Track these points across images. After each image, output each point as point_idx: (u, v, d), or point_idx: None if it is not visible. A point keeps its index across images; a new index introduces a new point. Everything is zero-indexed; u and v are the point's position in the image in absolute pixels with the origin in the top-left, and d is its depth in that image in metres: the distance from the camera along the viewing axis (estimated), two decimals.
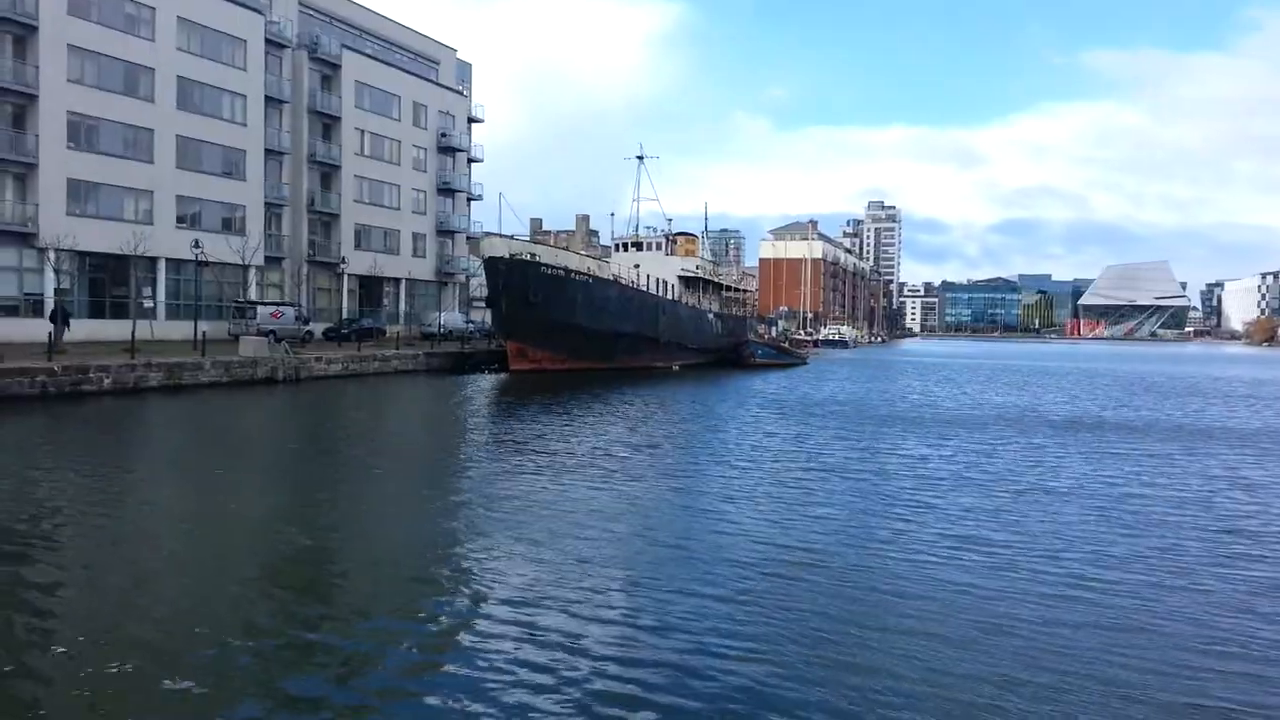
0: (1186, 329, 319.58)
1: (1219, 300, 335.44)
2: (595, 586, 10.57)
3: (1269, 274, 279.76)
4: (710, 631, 9.18)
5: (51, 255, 42.09)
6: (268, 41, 55.75)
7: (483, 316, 67.54)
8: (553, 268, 50.14)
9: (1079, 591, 10.83)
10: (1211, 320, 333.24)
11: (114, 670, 7.91)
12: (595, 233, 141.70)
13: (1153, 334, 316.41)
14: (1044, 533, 13.87)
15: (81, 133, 45.50)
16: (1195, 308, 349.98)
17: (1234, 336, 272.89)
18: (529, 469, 18.40)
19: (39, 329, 38.10)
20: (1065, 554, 12.58)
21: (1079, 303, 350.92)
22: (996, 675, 8.20)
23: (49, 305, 42.59)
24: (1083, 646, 8.98)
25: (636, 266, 60.59)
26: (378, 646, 8.77)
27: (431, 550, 12.31)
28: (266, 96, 55.72)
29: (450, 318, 65.08)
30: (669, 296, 62.41)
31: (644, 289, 58.95)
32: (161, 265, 48.88)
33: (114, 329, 42.78)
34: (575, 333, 50.12)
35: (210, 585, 10.42)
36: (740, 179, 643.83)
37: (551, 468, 18.62)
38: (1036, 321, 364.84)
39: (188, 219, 50.74)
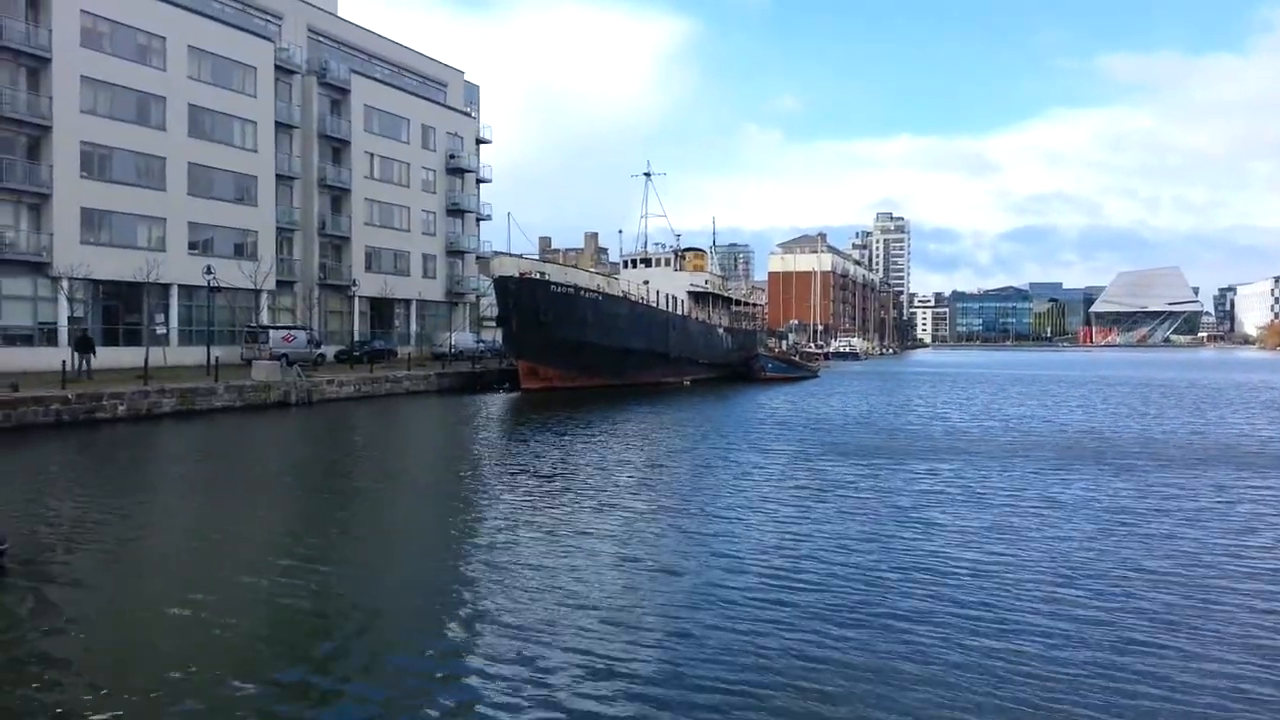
0: (1200, 334, 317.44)
1: (1232, 305, 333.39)
2: (593, 622, 10.51)
3: None
4: (706, 676, 9.08)
5: (65, 284, 42.39)
6: (277, 68, 56.24)
7: (493, 336, 67.70)
8: (562, 286, 50.22)
9: None
10: (1225, 325, 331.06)
11: (115, 696, 7.91)
12: (604, 250, 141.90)
13: (1166, 340, 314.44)
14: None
15: (95, 162, 45.91)
16: (1208, 313, 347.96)
17: (1247, 341, 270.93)
18: (536, 495, 18.35)
19: (53, 357, 38.38)
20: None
21: (1091, 310, 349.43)
22: None
23: (63, 334, 42.89)
24: None
25: (646, 283, 60.64)
26: (379, 683, 8.73)
27: (433, 581, 12.28)
28: (276, 122, 56.16)
29: (461, 338, 65.24)
30: (678, 312, 62.41)
31: (653, 305, 58.97)
32: (174, 291, 49.18)
33: (128, 356, 43.01)
34: (586, 350, 50.16)
35: (212, 620, 10.40)
36: (750, 193, 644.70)
37: (558, 494, 18.55)
38: (1048, 330, 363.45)
39: (200, 245, 51.05)
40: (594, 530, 14.63)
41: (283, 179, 57.35)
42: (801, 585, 11.51)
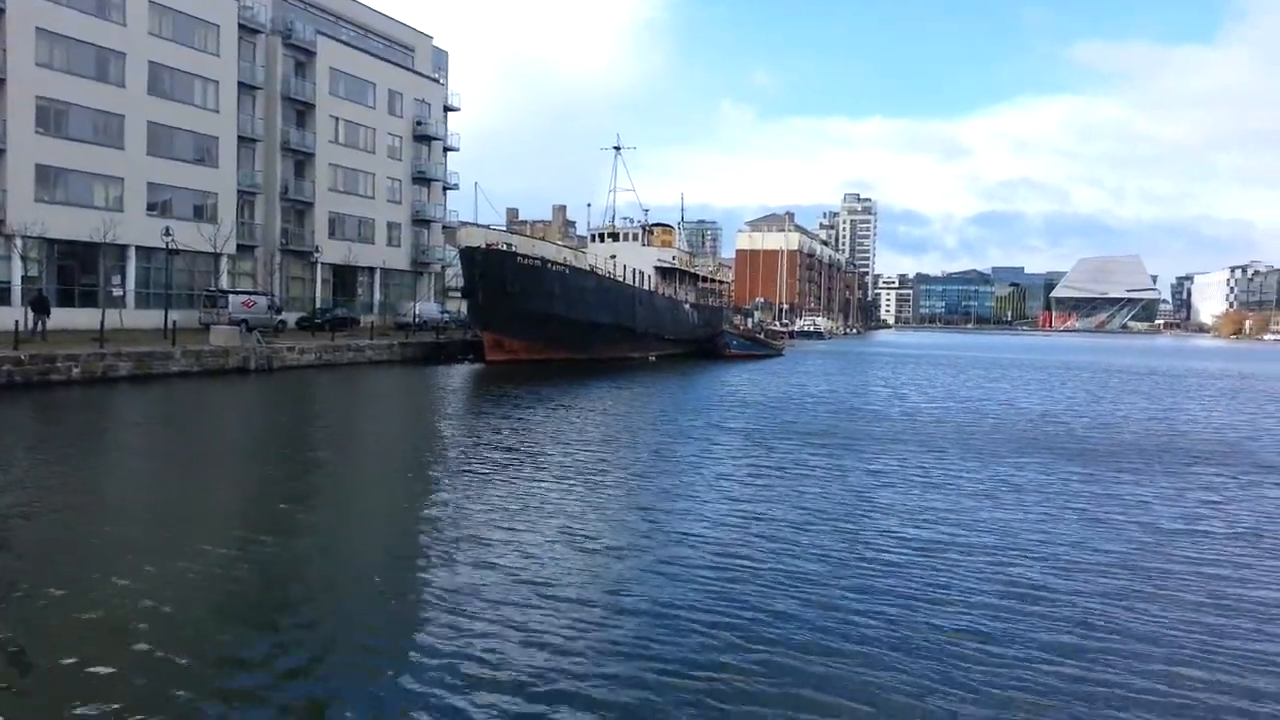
0: (1156, 321, 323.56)
1: (1189, 294, 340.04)
2: (539, 598, 10.56)
3: (1238, 268, 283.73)
4: (666, 655, 9.17)
5: (19, 242, 41.42)
6: (241, 27, 55.05)
7: (458, 307, 67.27)
8: (529, 258, 49.95)
9: None
10: (1181, 313, 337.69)
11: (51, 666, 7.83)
12: (572, 223, 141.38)
13: (1123, 326, 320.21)
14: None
15: (50, 118, 44.76)
16: (1165, 301, 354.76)
17: (1202, 329, 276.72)
18: (496, 468, 18.31)
19: (5, 317, 37.57)
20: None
21: (1051, 295, 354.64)
22: None
23: (16, 294, 41.93)
24: None
25: (613, 257, 60.46)
26: (326, 665, 8.72)
27: (383, 555, 12.26)
28: (239, 82, 55.04)
29: (425, 308, 64.72)
30: (645, 287, 62.37)
31: (620, 279, 58.89)
32: (132, 253, 48.26)
33: (83, 318, 42.18)
34: (552, 323, 50.01)
35: (153, 593, 10.30)
36: (721, 169, 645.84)
37: (515, 469, 18.52)
38: (1009, 314, 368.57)
39: (159, 206, 50.07)
40: (547, 506, 14.63)
41: (245, 141, 56.31)
42: (749, 564, 11.63)
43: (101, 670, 7.81)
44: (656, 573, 11.11)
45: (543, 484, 16.36)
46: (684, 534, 13.03)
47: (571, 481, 16.69)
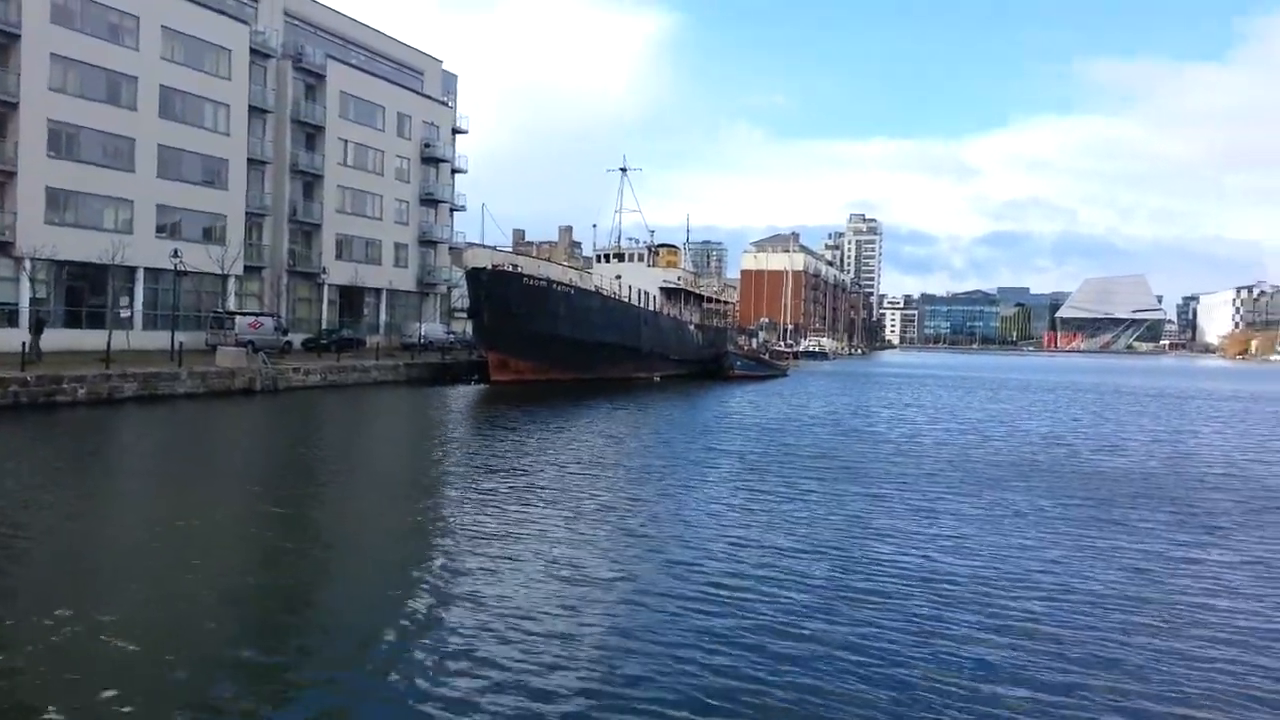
0: (1162, 342, 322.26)
1: (1194, 314, 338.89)
2: (534, 626, 10.46)
3: (1244, 288, 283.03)
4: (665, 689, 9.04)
5: (28, 264, 41.58)
6: (252, 51, 55.44)
7: (464, 327, 67.28)
8: (535, 279, 50.02)
9: None
10: (1186, 334, 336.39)
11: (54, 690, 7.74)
12: (578, 244, 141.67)
13: (1128, 347, 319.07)
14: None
15: (62, 141, 45.04)
16: (1171, 321, 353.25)
17: (1208, 350, 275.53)
18: (492, 495, 18.01)
19: (13, 339, 37.64)
20: None
21: (1056, 315, 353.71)
22: None
23: (24, 315, 42.04)
24: None
25: (618, 278, 60.55)
26: (324, 680, 8.62)
27: (382, 579, 12.17)
28: (250, 106, 55.36)
29: (431, 328, 64.77)
30: (650, 308, 62.40)
31: (626, 300, 58.92)
32: (140, 275, 48.39)
33: (91, 339, 42.26)
34: (557, 344, 49.99)
35: (157, 611, 10.23)
36: (727, 190, 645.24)
37: (513, 494, 18.29)
38: (1014, 334, 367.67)
39: (167, 228, 50.26)
40: (538, 535, 14.35)
41: (254, 163, 56.57)
42: (743, 595, 11.48)
43: (106, 689, 7.73)
44: (642, 605, 10.90)
45: (536, 509, 16.21)
46: (673, 562, 12.85)
47: (564, 509, 16.39)
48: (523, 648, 9.30)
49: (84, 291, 46.53)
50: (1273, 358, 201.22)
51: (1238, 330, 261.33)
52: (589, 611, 10.61)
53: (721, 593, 11.42)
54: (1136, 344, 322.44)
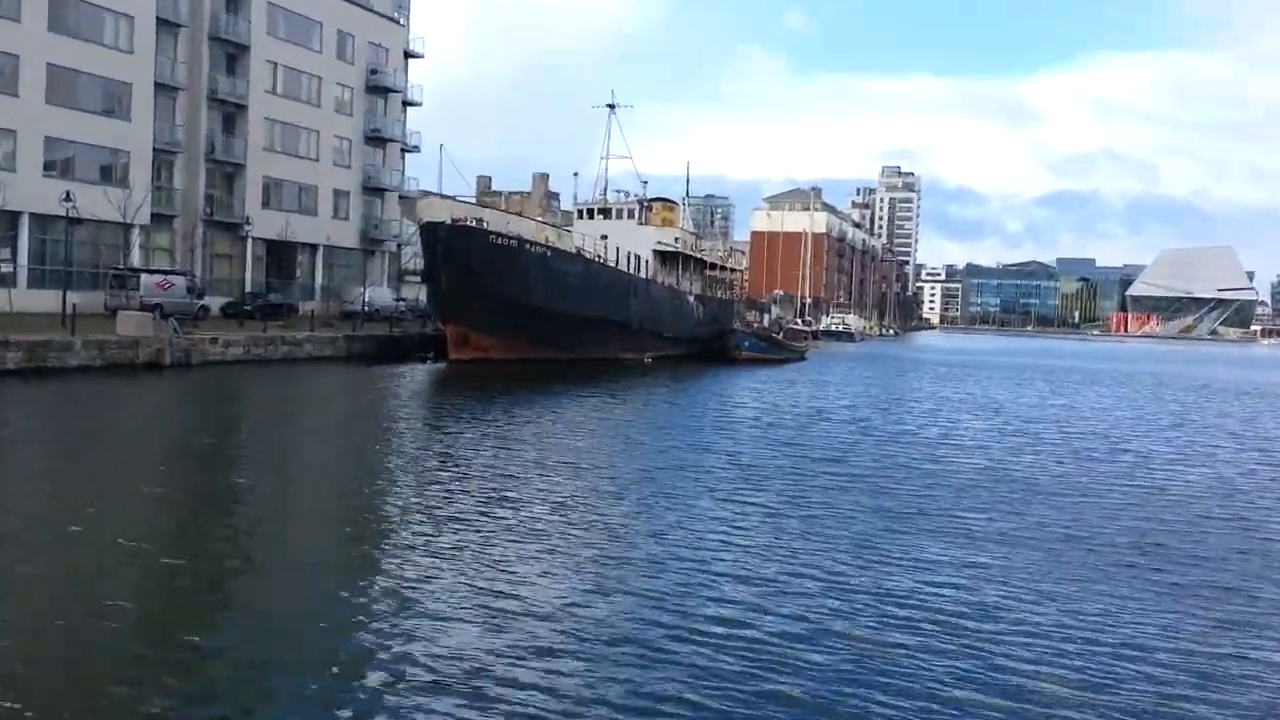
0: (1253, 327, 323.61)
1: None
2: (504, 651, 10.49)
3: None
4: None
5: None
6: None
7: (417, 294, 67.18)
8: (503, 236, 49.97)
9: None
10: None
11: None
12: (555, 195, 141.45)
13: (1212, 332, 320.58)
14: None
15: None
16: (1264, 303, 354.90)
17: None
18: (438, 508, 17.28)
19: None
20: None
21: (1127, 293, 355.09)
22: None
23: None
24: None
25: (604, 238, 60.49)
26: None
27: (306, 598, 12.17)
28: (158, 19, 54.82)
29: (377, 294, 64.67)
30: (642, 274, 62.41)
31: (612, 264, 58.87)
32: (24, 221, 48.03)
33: None
34: (528, 316, 49.93)
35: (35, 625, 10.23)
36: (738, 134, 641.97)
37: (463, 509, 17.28)
38: (1077, 314, 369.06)
39: (58, 166, 49.89)
40: (485, 559, 13.88)
41: (164, 89, 56.11)
42: (718, 637, 11.19)
43: None
44: (594, 657, 10.54)
45: (485, 531, 15.41)
46: (642, 593, 12.61)
47: (519, 530, 15.78)
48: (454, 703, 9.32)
49: None
50: None
51: None
52: (521, 653, 10.47)
53: (700, 633, 11.13)
54: (1222, 329, 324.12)
